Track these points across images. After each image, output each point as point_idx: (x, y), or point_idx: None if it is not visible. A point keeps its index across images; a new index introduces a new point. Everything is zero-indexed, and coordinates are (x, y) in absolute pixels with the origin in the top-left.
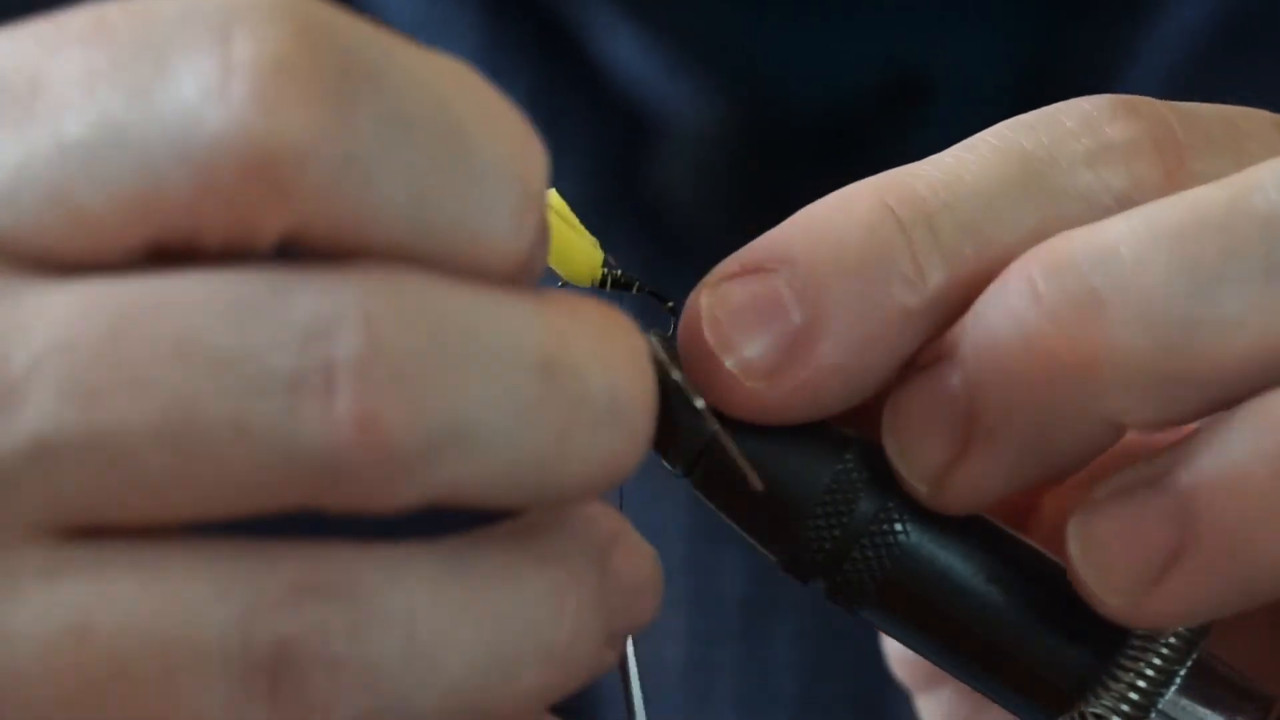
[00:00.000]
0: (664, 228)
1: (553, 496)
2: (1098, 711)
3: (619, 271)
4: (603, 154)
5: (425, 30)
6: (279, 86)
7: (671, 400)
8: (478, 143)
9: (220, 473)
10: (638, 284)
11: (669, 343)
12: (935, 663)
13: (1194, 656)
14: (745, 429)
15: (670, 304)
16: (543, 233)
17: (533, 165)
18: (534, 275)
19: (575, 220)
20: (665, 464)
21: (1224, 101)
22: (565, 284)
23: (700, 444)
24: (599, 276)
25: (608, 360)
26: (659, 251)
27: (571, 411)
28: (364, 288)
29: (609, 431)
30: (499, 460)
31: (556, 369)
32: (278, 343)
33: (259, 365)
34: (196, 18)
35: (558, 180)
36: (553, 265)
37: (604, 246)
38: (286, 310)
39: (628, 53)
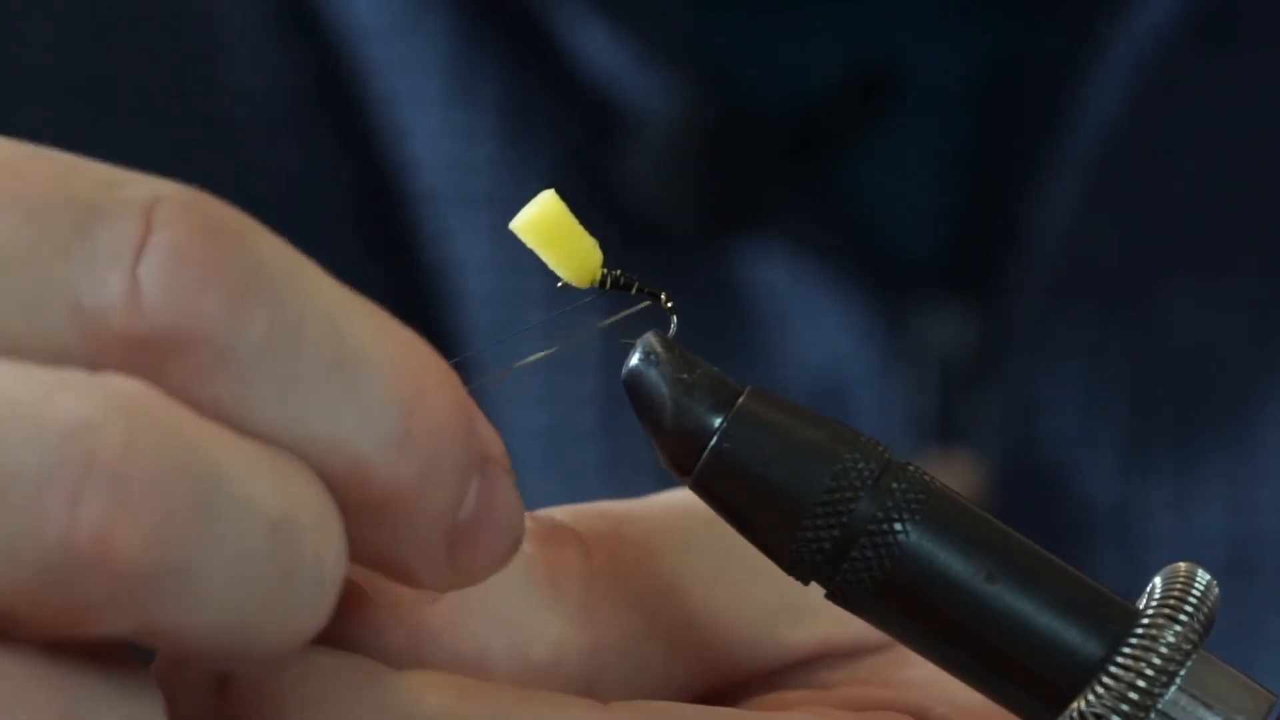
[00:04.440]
0: (634, 223)
1: (242, 656)
2: (1097, 711)
3: (619, 272)
4: (573, 149)
5: (396, 31)
6: (187, 275)
7: (670, 400)
8: (366, 370)
9: None
10: (637, 284)
11: (669, 342)
12: (935, 662)
13: (1194, 656)
14: (747, 425)
15: (670, 304)
16: (436, 460)
17: (428, 401)
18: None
19: (575, 221)
20: (664, 464)
21: (1193, 100)
22: (565, 284)
23: (699, 445)
24: (598, 277)
25: (323, 529)
26: (629, 246)
27: (284, 575)
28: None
29: (309, 600)
30: (211, 610)
31: (283, 530)
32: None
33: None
34: (119, 192)
35: (528, 176)
36: (553, 266)
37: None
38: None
39: (597, 47)
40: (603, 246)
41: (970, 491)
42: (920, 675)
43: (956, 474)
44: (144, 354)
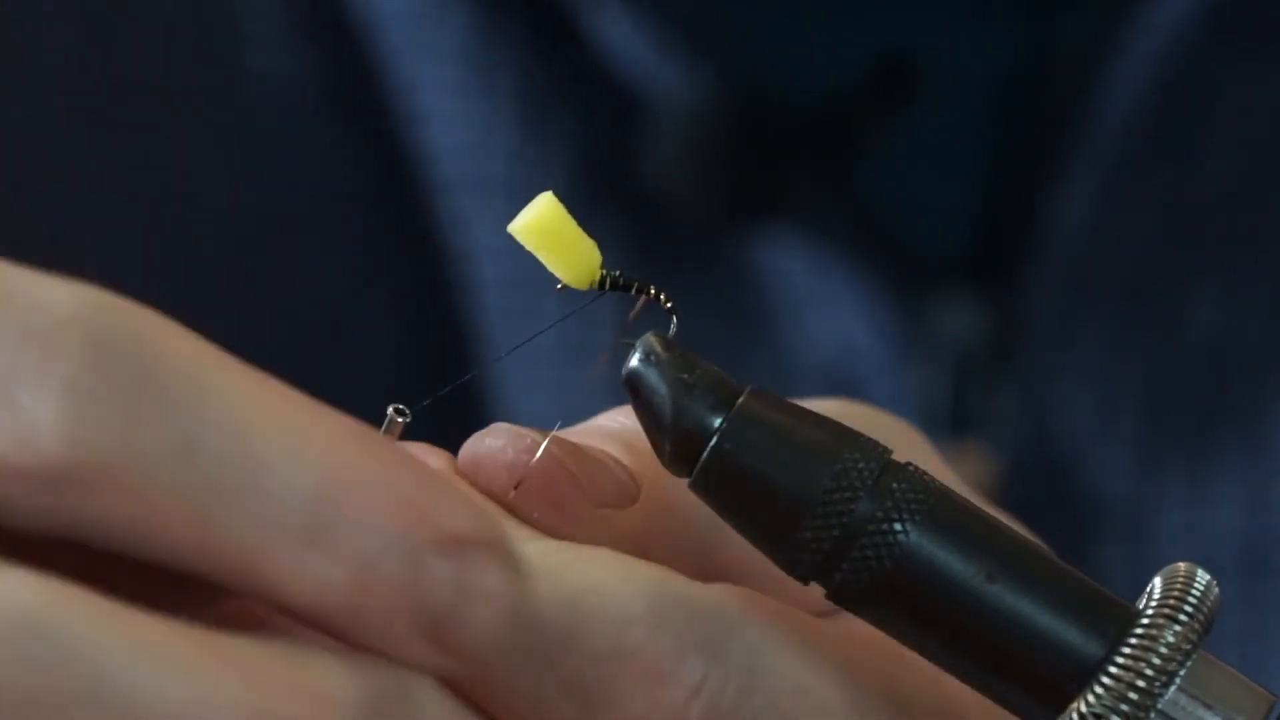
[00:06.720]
0: (655, 213)
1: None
2: (1097, 711)
3: (618, 273)
4: (594, 139)
5: (417, 17)
6: (75, 409)
7: (670, 400)
8: (271, 469)
9: None
10: (636, 284)
11: (669, 342)
12: (935, 661)
13: (1194, 656)
14: (747, 425)
15: (670, 304)
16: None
17: (345, 496)
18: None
19: (573, 222)
20: (664, 463)
21: (1214, 97)
22: (564, 286)
23: (699, 444)
24: (598, 278)
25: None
26: (649, 238)
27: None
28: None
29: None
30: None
31: None
32: None
33: None
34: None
35: (547, 164)
36: (551, 268)
37: (593, 233)
38: None
39: (619, 35)
40: (619, 235)
41: (983, 485)
42: None
43: (969, 468)
44: (47, 489)
